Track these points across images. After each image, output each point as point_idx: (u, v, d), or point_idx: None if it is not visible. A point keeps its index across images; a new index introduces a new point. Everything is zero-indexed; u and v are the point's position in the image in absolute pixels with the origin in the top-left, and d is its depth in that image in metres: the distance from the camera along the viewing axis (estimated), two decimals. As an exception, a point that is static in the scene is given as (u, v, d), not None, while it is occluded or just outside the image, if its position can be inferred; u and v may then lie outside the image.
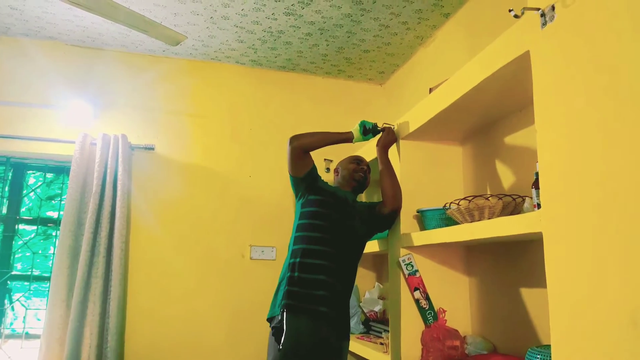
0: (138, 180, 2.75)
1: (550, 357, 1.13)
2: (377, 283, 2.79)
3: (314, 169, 1.95)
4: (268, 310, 1.82)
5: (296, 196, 1.98)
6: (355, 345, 2.38)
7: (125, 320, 2.57)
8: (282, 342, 1.64)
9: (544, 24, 1.21)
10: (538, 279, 1.61)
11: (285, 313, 1.69)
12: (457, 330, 1.84)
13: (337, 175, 2.12)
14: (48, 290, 2.48)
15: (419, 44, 2.69)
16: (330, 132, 2.02)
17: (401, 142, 2.08)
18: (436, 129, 1.94)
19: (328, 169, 3.06)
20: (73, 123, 2.71)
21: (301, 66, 3.05)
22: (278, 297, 1.78)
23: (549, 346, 1.13)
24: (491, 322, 1.87)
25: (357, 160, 2.10)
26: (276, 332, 1.70)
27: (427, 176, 2.07)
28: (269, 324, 1.79)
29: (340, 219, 1.86)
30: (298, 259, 1.78)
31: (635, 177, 0.93)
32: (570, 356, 1.05)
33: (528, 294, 1.68)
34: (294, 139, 1.90)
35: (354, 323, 2.68)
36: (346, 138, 2.02)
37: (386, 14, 2.40)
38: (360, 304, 2.72)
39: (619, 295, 0.95)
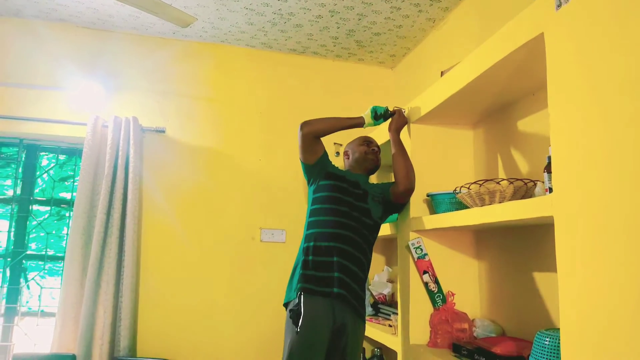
0: (149, 163, 2.77)
1: (559, 340, 1.13)
2: (386, 266, 2.80)
3: (325, 155, 1.95)
4: (279, 293, 1.84)
5: (308, 182, 1.99)
6: (364, 327, 2.41)
7: (138, 299, 2.62)
8: (299, 325, 1.65)
9: (559, 5, 1.19)
10: (548, 263, 1.61)
11: (302, 296, 1.70)
12: (465, 314, 1.86)
13: (348, 158, 2.10)
14: (62, 270, 2.53)
15: (430, 26, 2.66)
16: (341, 117, 2.00)
17: (412, 125, 2.07)
18: (447, 112, 1.93)
19: (338, 153, 3.06)
20: (84, 105, 2.72)
21: (311, 49, 3.03)
22: (294, 282, 1.79)
23: (557, 329, 1.13)
24: (500, 306, 1.88)
25: (367, 141, 2.09)
26: (293, 315, 1.69)
27: (438, 160, 2.06)
28: (285, 309, 1.80)
29: (352, 202, 1.87)
30: (312, 243, 1.80)
31: (650, 161, 0.92)
32: (579, 339, 1.06)
33: (537, 278, 1.68)
34: (304, 125, 1.89)
35: (363, 305, 2.71)
36: (357, 123, 2.00)
37: (398, -4, 2.36)
38: (369, 286, 2.75)
39: (629, 280, 0.95)
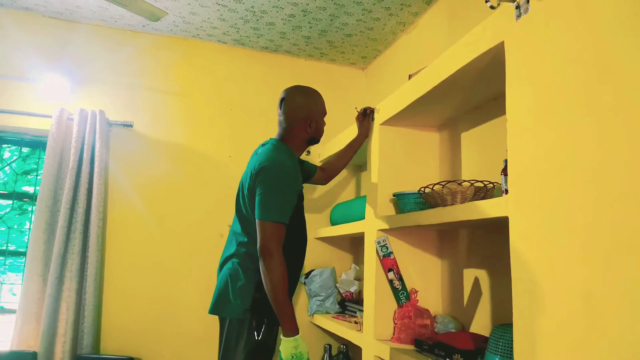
0: (116, 158, 2.73)
1: (512, 334, 1.19)
2: (353, 265, 2.85)
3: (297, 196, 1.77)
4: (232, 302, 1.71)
5: None
6: (331, 324, 2.45)
7: (102, 296, 2.58)
8: (262, 332, 1.62)
9: (519, 15, 1.25)
10: (505, 262, 1.68)
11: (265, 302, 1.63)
12: (427, 310, 1.92)
13: (310, 127, 1.84)
14: (24, 265, 2.47)
15: (400, 30, 2.71)
16: (285, 305, 1.61)
17: (380, 127, 2.12)
18: (414, 115, 1.98)
19: (309, 152, 3.08)
20: (49, 97, 2.66)
21: (284, 48, 3.04)
22: (250, 287, 1.68)
23: (512, 324, 1.19)
24: (460, 303, 1.94)
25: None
26: (258, 321, 1.64)
27: (404, 161, 2.11)
28: (234, 317, 1.68)
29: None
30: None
31: (600, 166, 0.99)
32: (529, 333, 1.12)
33: (495, 276, 1.75)
34: (267, 255, 1.61)
35: (330, 303, 2.74)
36: (287, 325, 1.61)
37: (369, -2, 2.41)
38: (337, 284, 2.79)
39: (575, 277, 1.01)
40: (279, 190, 1.63)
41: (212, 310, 1.73)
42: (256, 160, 1.70)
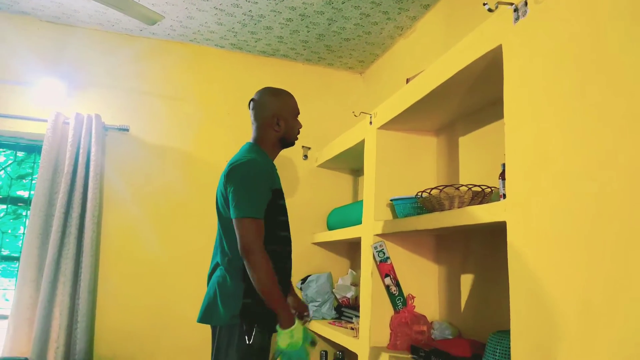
0: (112, 162, 2.71)
1: (509, 341, 1.17)
2: (350, 270, 2.83)
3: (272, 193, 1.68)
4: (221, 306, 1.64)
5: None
6: (327, 330, 2.42)
7: (95, 301, 2.55)
8: (253, 336, 1.58)
9: (517, 18, 1.24)
10: (502, 267, 1.66)
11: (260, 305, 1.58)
12: (424, 316, 1.89)
13: (279, 126, 1.77)
14: (17, 271, 2.45)
15: (398, 34, 2.71)
16: (276, 293, 1.56)
17: (377, 131, 2.10)
18: (412, 119, 1.97)
19: (306, 156, 3.07)
20: (46, 101, 2.64)
21: (281, 52, 3.03)
22: (239, 292, 1.62)
23: (509, 331, 1.17)
24: (457, 309, 1.92)
25: (298, 112, 1.86)
26: (248, 325, 1.58)
27: (402, 165, 2.10)
28: (224, 324, 1.62)
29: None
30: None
31: (598, 170, 0.97)
32: (527, 340, 1.10)
33: (493, 281, 1.73)
34: (250, 253, 1.56)
35: (326, 309, 2.72)
36: (283, 316, 1.57)
37: (367, 3, 2.40)
38: (334, 290, 2.76)
39: (574, 284, 0.99)
40: (251, 186, 1.59)
41: (201, 319, 1.69)
42: (228, 164, 1.69)
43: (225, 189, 1.65)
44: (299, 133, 1.86)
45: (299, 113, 1.87)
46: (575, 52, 1.05)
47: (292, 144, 1.86)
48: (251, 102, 1.84)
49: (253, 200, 1.59)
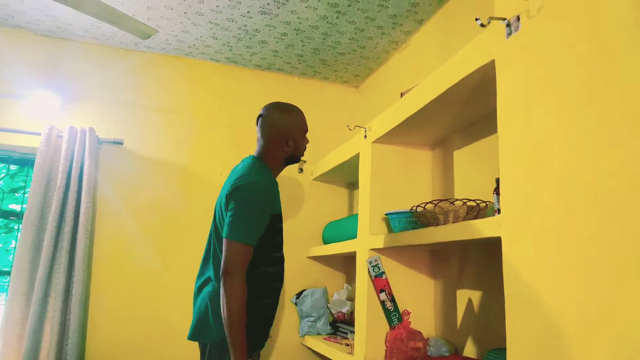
0: (105, 176, 2.70)
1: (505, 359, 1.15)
2: (345, 284, 2.80)
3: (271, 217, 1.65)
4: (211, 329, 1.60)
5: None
6: (321, 346, 2.39)
7: (87, 317, 2.51)
8: None
9: (509, 33, 1.24)
10: (498, 283, 1.64)
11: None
12: (420, 332, 1.87)
13: (288, 146, 1.75)
14: (8, 285, 2.41)
15: (393, 49, 2.72)
16: (238, 336, 1.49)
17: (372, 145, 2.10)
18: (406, 133, 1.97)
19: (301, 170, 3.06)
20: (39, 114, 2.63)
21: (277, 66, 3.04)
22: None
23: (505, 349, 1.15)
24: (454, 325, 1.90)
25: (307, 130, 1.84)
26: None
27: (397, 179, 2.09)
28: (214, 342, 1.58)
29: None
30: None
31: (594, 185, 0.96)
32: (523, 358, 1.08)
33: (488, 298, 1.72)
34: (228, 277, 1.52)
35: (321, 324, 2.69)
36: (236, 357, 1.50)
37: (361, 18, 2.41)
38: (329, 304, 2.73)
39: (570, 299, 0.98)
40: (250, 212, 1.57)
41: (192, 337, 1.65)
42: (231, 180, 1.66)
43: (226, 206, 1.62)
44: (305, 149, 1.83)
45: (307, 130, 1.84)
46: (568, 66, 1.05)
47: (298, 161, 1.84)
48: (259, 119, 1.79)
49: (249, 226, 1.56)
